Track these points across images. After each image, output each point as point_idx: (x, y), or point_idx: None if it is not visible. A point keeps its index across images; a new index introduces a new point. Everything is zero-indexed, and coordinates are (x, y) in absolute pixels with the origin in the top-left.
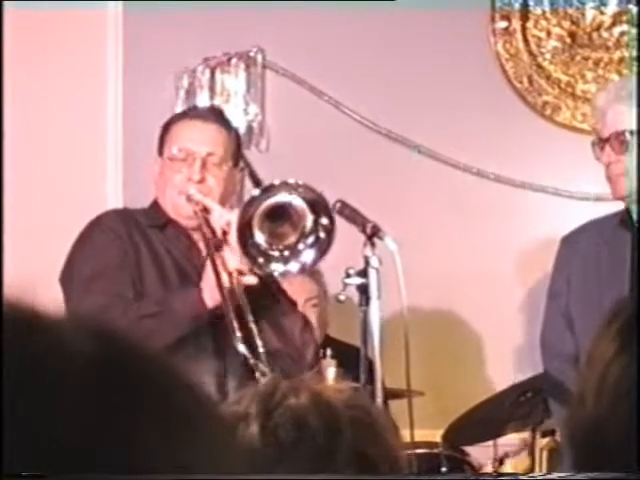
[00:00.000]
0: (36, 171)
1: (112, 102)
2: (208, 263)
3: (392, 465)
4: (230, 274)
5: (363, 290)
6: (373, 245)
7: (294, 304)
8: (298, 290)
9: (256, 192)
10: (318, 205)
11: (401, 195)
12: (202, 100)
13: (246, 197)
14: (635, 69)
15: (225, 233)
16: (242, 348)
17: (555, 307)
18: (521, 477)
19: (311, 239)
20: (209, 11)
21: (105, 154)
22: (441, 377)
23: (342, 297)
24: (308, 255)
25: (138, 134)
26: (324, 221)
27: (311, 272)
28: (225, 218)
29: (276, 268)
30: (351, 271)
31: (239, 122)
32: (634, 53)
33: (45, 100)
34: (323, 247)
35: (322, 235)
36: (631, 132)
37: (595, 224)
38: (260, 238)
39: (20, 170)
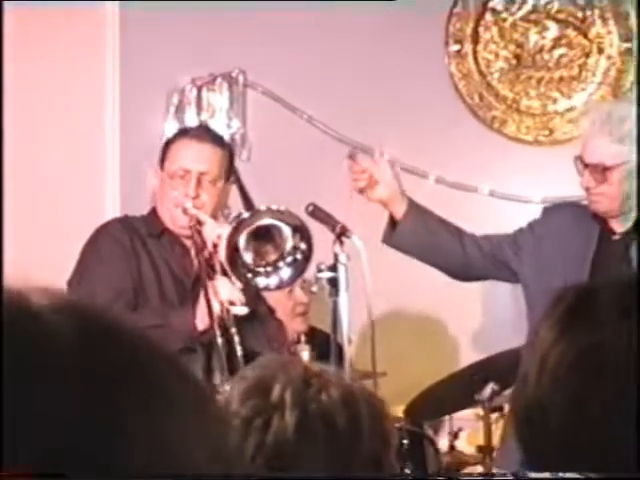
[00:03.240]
0: (35, 179)
1: (110, 116)
2: (202, 292)
3: (388, 445)
4: (221, 303)
5: (333, 283)
6: (342, 243)
7: (272, 311)
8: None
9: (245, 215)
10: (299, 230)
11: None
12: (190, 115)
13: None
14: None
15: (215, 245)
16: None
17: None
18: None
19: (289, 259)
20: (197, 37)
21: (104, 162)
22: (402, 359)
23: (314, 289)
24: (286, 272)
25: (134, 144)
26: (302, 246)
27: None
28: (216, 232)
29: (260, 282)
30: (322, 266)
31: (223, 135)
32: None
33: (48, 113)
34: (300, 268)
35: (299, 257)
36: (610, 167)
37: (569, 207)
38: (247, 256)
39: (20, 177)
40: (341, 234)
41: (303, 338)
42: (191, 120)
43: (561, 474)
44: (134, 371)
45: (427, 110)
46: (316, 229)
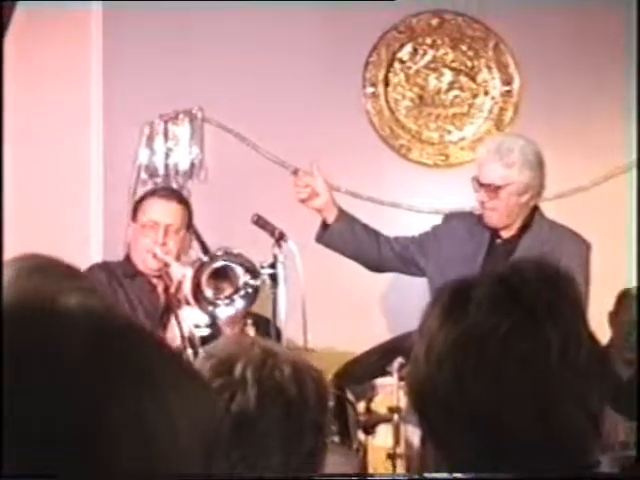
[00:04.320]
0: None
1: (95, 146)
2: (173, 320)
3: (326, 410)
4: (188, 326)
5: (273, 278)
6: (280, 246)
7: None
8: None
9: (205, 259)
10: (249, 269)
11: (300, 210)
12: (158, 143)
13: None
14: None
15: (180, 282)
16: None
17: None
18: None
19: (242, 292)
20: (164, 82)
21: (89, 182)
22: (328, 339)
23: (258, 282)
24: (240, 303)
25: (115, 167)
26: (252, 282)
27: None
28: (181, 272)
29: (219, 312)
30: (264, 264)
31: (185, 160)
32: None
33: (39, 149)
34: (251, 299)
35: (250, 291)
36: (500, 186)
37: (465, 216)
38: (208, 293)
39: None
40: (279, 238)
41: (250, 321)
42: (159, 147)
43: (460, 475)
44: (143, 366)
45: (348, 140)
46: (259, 234)
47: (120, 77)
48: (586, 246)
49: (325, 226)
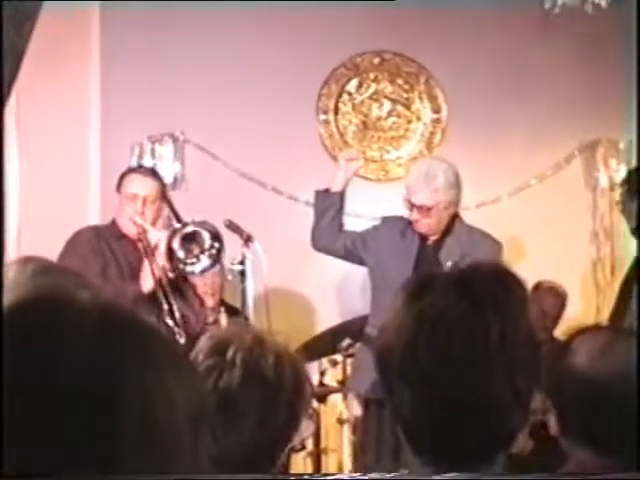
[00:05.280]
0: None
1: (93, 158)
2: (145, 262)
3: (301, 394)
4: (158, 268)
5: (242, 273)
6: (248, 246)
7: (196, 291)
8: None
9: (177, 226)
10: (214, 235)
11: (265, 216)
12: (147, 161)
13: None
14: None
15: (156, 245)
16: (169, 321)
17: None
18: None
19: (207, 253)
20: (151, 109)
21: (88, 184)
22: (289, 323)
23: (229, 277)
24: (206, 262)
25: (110, 173)
26: (216, 245)
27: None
28: (157, 236)
29: (189, 270)
30: (234, 261)
31: (169, 174)
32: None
33: (48, 151)
34: (215, 258)
35: (214, 252)
36: (430, 207)
37: (398, 219)
38: (180, 253)
39: (21, 194)
40: (247, 240)
41: (223, 309)
42: (147, 164)
43: (444, 475)
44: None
45: (305, 158)
46: (230, 236)
47: (115, 104)
48: (498, 246)
49: (326, 190)
